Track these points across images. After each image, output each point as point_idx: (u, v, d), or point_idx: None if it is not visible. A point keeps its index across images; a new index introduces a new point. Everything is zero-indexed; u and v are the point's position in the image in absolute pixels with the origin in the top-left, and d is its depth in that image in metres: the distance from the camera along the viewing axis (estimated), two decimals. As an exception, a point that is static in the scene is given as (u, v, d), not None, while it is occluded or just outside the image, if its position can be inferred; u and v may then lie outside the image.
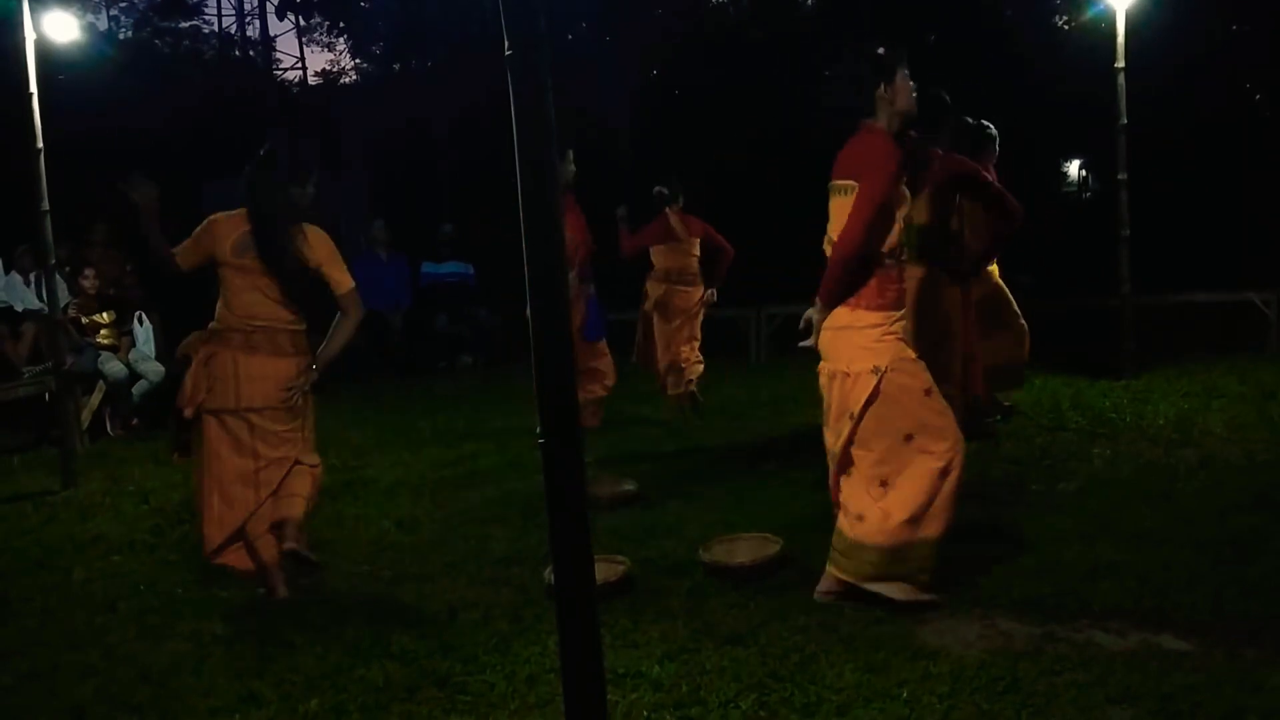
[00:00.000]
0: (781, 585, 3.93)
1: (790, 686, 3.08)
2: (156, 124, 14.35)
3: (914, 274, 5.10)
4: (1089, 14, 9.56)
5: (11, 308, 8.92)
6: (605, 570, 3.99)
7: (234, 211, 4.13)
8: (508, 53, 1.59)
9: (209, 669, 3.52)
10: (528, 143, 1.60)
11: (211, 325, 4.14)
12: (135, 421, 8.20)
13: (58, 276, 6.61)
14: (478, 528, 5.01)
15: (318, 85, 23.17)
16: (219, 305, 4.13)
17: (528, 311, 1.69)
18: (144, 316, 8.73)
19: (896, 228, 3.63)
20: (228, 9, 25.14)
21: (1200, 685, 2.92)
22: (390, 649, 3.55)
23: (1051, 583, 3.76)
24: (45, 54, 6.64)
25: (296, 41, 26.15)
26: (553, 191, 1.61)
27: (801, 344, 3.73)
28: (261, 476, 4.12)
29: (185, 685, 3.41)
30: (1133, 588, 3.66)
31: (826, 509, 4.83)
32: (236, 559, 4.23)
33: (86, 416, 7.85)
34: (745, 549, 4.24)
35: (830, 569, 3.73)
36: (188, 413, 4.09)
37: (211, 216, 4.16)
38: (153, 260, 4.13)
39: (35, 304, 8.51)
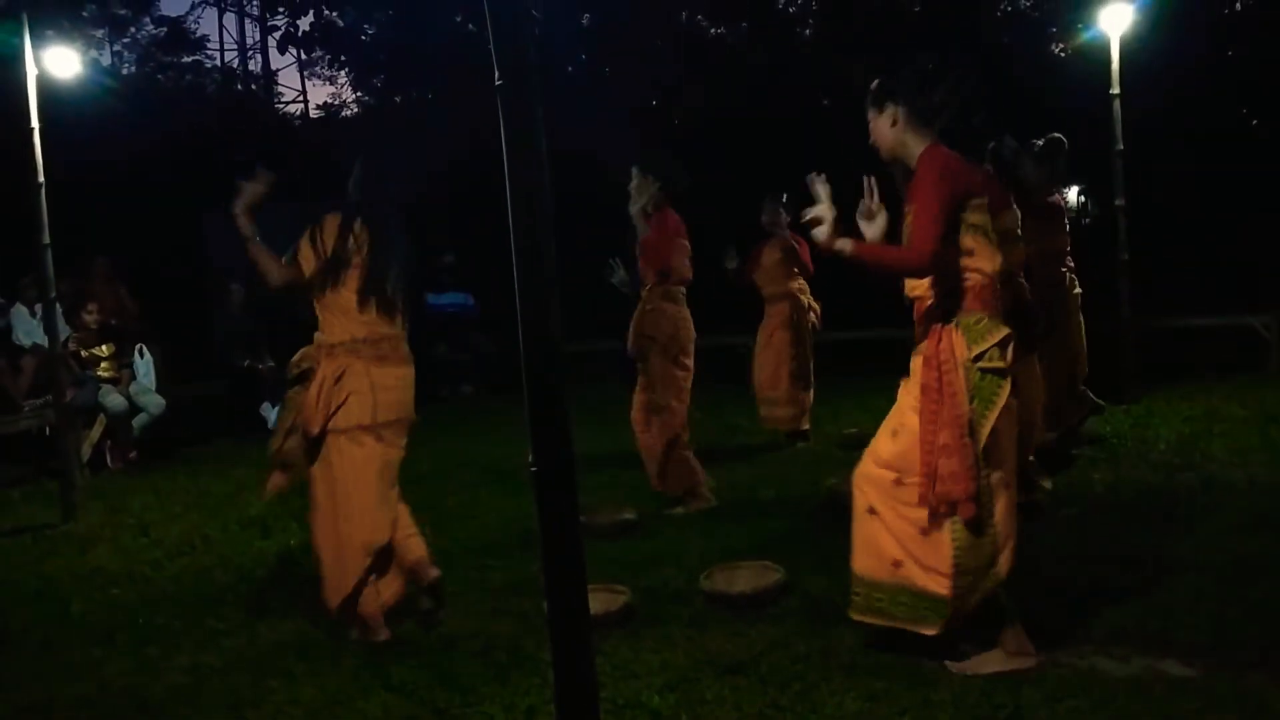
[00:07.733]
0: (782, 613, 3.91)
1: (791, 716, 3.06)
2: (159, 156, 14.38)
3: None
4: (1083, 38, 9.64)
5: (12, 341, 8.92)
6: (605, 600, 3.98)
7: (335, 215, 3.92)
8: (498, 82, 1.60)
9: (205, 702, 3.50)
10: (519, 172, 1.61)
11: (329, 340, 3.93)
12: (134, 455, 8.18)
13: (57, 309, 6.62)
14: (476, 558, 4.99)
15: (319, 118, 23.30)
16: (333, 319, 3.93)
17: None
18: (144, 349, 8.73)
19: None
20: (230, 44, 25.42)
21: (1204, 710, 2.90)
22: (390, 680, 3.53)
23: (1053, 608, 3.73)
24: (48, 89, 6.68)
25: (298, 75, 26.38)
26: (543, 220, 1.62)
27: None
28: (392, 497, 4.00)
29: (182, 717, 3.39)
30: (1135, 612, 3.64)
31: (826, 537, 4.84)
32: (374, 601, 3.93)
33: (87, 449, 7.84)
34: (746, 577, 4.21)
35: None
36: (314, 431, 3.83)
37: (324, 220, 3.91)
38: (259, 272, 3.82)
39: (40, 337, 8.52)
